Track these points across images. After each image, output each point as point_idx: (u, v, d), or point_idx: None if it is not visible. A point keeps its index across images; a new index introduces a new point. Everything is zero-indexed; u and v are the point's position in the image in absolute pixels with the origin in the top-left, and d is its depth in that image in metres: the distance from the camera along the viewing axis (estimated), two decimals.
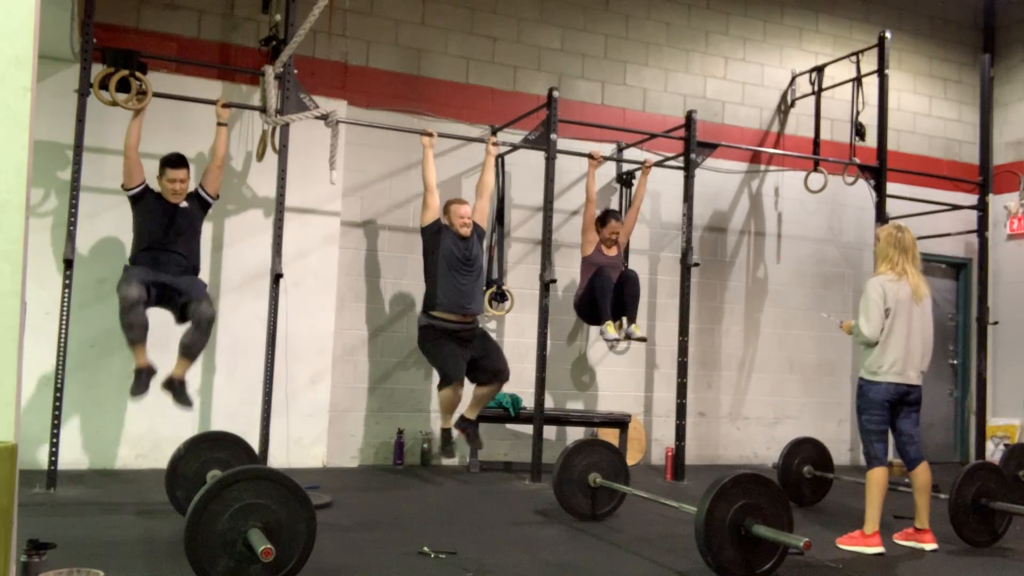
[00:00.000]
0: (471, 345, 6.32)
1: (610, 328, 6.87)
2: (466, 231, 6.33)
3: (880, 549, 4.61)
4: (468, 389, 6.43)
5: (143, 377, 5.31)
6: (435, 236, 6.28)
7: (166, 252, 5.48)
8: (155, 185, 5.59)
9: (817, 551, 4.40)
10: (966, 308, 9.46)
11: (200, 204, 5.70)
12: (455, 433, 6.37)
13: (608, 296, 6.85)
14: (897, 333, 4.68)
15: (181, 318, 5.50)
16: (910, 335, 4.71)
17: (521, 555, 4.23)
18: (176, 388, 5.39)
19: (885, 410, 4.76)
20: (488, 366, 6.35)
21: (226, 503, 3.26)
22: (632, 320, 7.00)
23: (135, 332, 5.26)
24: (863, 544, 4.64)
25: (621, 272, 7.04)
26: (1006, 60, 9.52)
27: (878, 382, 4.72)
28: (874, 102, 7.88)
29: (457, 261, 6.27)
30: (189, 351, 5.43)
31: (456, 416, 6.36)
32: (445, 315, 6.21)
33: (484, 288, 7.16)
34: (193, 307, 5.38)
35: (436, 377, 7.22)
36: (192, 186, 5.68)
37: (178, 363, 5.42)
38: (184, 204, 5.58)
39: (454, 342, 6.24)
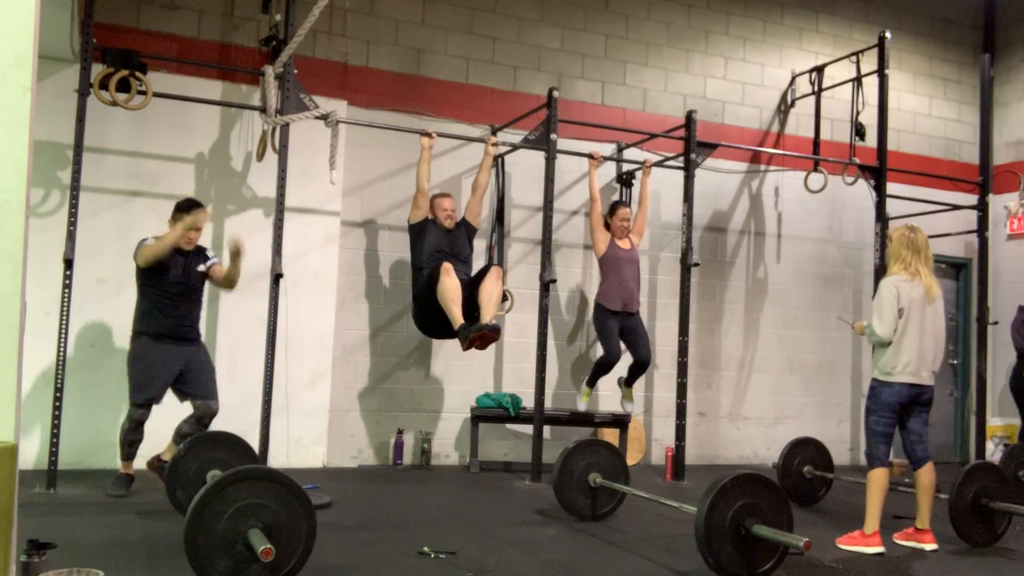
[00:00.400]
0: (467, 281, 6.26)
1: (584, 396, 7.09)
2: (450, 223, 6.41)
3: (880, 549, 4.61)
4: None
5: (126, 482, 5.30)
6: (421, 232, 6.37)
7: (183, 315, 5.37)
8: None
9: (817, 551, 4.40)
10: (966, 308, 9.47)
11: (203, 279, 5.56)
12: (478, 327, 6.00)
13: (610, 370, 6.97)
14: (911, 333, 4.68)
15: (183, 398, 5.45)
16: (923, 335, 4.71)
17: (521, 555, 4.23)
18: (164, 470, 5.17)
19: (895, 412, 4.76)
20: (481, 272, 6.27)
21: (226, 503, 3.26)
22: (629, 383, 7.13)
23: (133, 449, 5.33)
24: (863, 544, 4.64)
25: (640, 353, 6.98)
26: (1006, 60, 9.52)
27: (892, 383, 4.71)
28: (874, 102, 7.88)
29: (444, 253, 6.30)
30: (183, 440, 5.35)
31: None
32: None
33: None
34: (201, 405, 5.36)
35: (435, 378, 7.26)
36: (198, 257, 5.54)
37: (169, 448, 5.33)
38: (201, 268, 5.45)
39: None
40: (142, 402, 5.23)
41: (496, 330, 5.95)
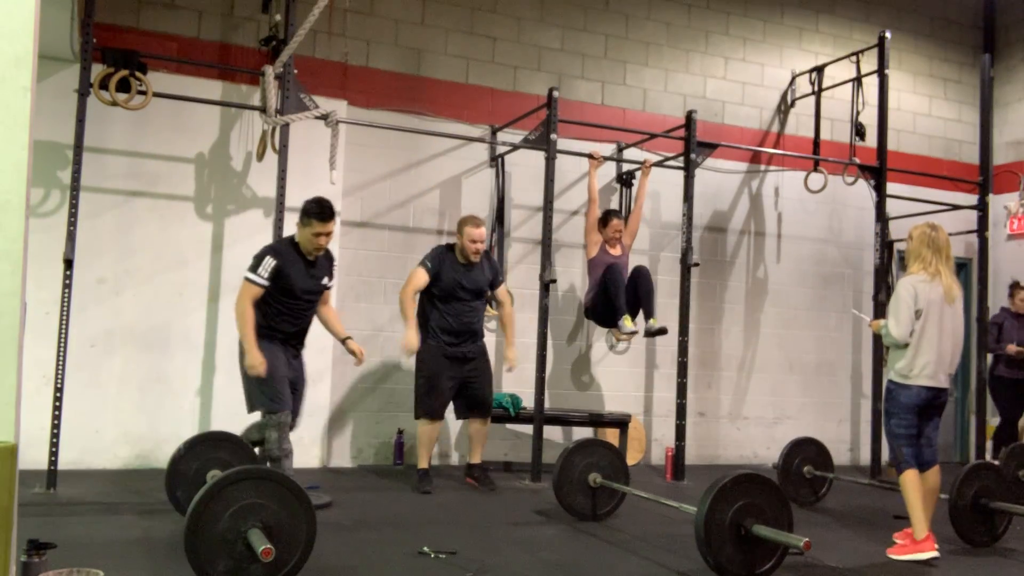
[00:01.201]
0: (466, 365, 5.95)
1: (627, 322, 6.78)
2: (476, 258, 5.90)
3: (934, 553, 4.45)
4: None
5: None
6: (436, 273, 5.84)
7: (302, 327, 5.15)
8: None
9: (817, 551, 4.40)
10: (966, 308, 9.45)
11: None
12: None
13: (623, 290, 6.78)
14: (929, 335, 4.55)
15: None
16: (941, 337, 4.58)
17: (521, 555, 4.23)
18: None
19: (915, 414, 4.63)
20: (475, 392, 5.99)
21: (226, 503, 3.26)
22: (649, 315, 6.93)
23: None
24: (916, 551, 4.47)
25: (633, 269, 6.97)
26: (1006, 60, 9.52)
27: (909, 385, 4.59)
28: (874, 102, 7.89)
29: (459, 287, 5.86)
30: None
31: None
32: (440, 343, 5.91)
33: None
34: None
35: None
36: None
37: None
38: (327, 282, 5.19)
39: (447, 363, 5.87)
40: (283, 416, 4.88)
41: (484, 474, 6.14)
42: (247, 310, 4.83)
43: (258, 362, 4.74)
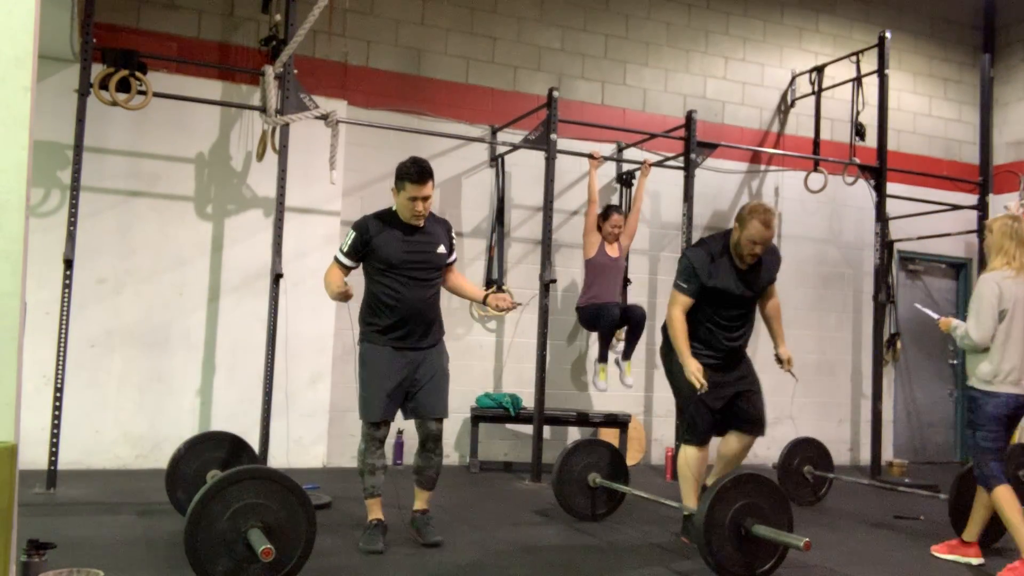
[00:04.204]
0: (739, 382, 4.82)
1: (602, 375, 6.91)
2: (753, 260, 4.52)
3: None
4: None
5: (379, 530, 4.27)
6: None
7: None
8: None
9: (817, 551, 4.40)
10: (966, 308, 9.44)
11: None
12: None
13: (611, 337, 6.86)
14: (1015, 337, 4.16)
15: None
16: None
17: (521, 555, 4.23)
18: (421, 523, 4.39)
19: (1003, 425, 4.20)
20: (749, 407, 4.79)
21: (226, 503, 3.27)
22: (627, 356, 6.96)
23: (377, 479, 4.25)
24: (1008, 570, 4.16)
25: (629, 308, 6.82)
26: (1006, 60, 9.52)
27: (996, 393, 4.18)
28: (874, 102, 7.89)
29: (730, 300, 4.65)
30: (423, 481, 4.45)
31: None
32: None
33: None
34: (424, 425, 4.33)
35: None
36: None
37: (418, 495, 4.47)
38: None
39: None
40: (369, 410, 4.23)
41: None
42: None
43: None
